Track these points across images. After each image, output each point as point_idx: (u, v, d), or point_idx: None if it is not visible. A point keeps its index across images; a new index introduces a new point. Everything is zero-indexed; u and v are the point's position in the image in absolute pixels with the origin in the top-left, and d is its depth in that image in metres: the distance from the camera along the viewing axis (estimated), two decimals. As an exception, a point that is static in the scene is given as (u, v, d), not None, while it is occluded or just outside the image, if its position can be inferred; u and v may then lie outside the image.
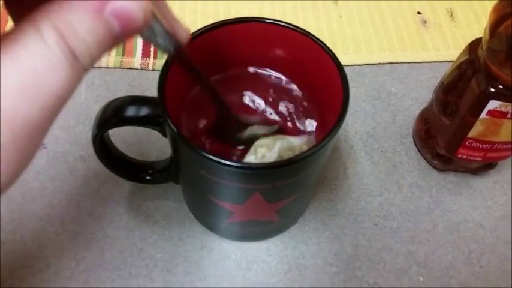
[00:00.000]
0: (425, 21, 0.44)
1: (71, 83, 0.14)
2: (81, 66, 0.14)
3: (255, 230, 0.31)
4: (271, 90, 0.30)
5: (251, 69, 0.30)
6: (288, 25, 0.27)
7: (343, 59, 0.26)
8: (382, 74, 0.41)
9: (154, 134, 0.34)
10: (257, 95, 0.30)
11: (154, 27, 0.19)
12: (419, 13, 0.45)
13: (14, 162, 0.14)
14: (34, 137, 0.14)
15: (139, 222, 0.32)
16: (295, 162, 0.23)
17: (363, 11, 0.45)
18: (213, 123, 0.27)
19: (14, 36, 0.13)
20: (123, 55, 0.40)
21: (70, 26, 0.14)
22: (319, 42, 0.26)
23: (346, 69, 0.25)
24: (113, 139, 0.29)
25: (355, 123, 0.38)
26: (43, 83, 0.13)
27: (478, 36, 0.31)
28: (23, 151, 0.14)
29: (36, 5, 0.14)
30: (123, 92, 0.38)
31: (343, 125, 0.24)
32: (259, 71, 0.30)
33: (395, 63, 0.41)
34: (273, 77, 0.30)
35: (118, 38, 0.15)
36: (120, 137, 0.35)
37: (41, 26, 0.13)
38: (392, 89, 0.40)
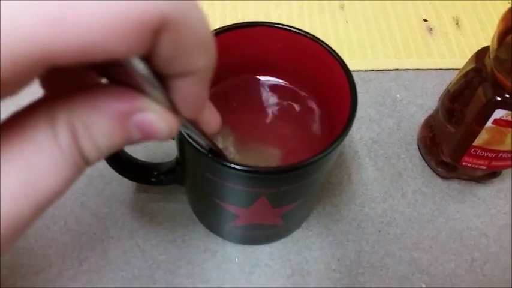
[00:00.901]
0: (431, 29, 0.44)
1: (71, 182, 0.13)
2: (86, 165, 0.13)
3: (259, 233, 0.31)
4: (277, 96, 0.30)
5: (258, 74, 0.30)
6: (297, 30, 0.27)
7: (349, 65, 0.26)
8: (388, 80, 0.41)
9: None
10: (264, 99, 0.30)
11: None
12: (425, 20, 0.45)
13: None
14: (17, 234, 0.12)
15: (143, 224, 0.32)
16: (302, 167, 0.23)
17: (369, 17, 0.45)
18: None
19: (25, 126, 0.12)
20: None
21: (87, 128, 0.12)
22: (328, 48, 0.26)
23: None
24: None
25: (360, 129, 0.38)
26: (42, 184, 0.12)
27: (484, 44, 0.31)
28: (3, 246, 0.12)
29: (68, 86, 0.13)
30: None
31: (349, 131, 0.24)
32: (266, 75, 0.30)
33: (400, 69, 0.41)
34: (279, 82, 0.30)
35: (134, 143, 0.14)
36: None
37: (57, 121, 0.12)
38: (398, 95, 0.40)
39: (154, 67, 0.12)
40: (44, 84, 0.15)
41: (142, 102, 0.13)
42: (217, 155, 0.22)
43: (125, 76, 0.12)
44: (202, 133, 0.19)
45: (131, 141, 0.14)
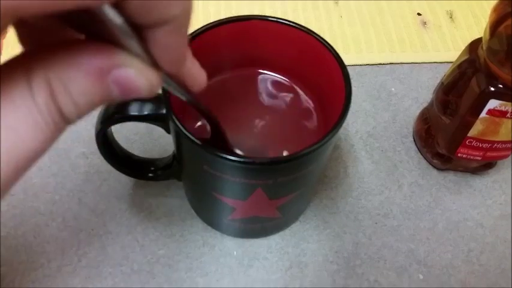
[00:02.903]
0: (425, 23, 0.44)
1: (51, 140, 0.13)
2: (65, 123, 0.13)
3: (256, 226, 0.31)
4: (272, 89, 0.30)
5: (253, 68, 0.30)
6: (291, 23, 0.27)
7: (344, 59, 0.26)
8: (383, 74, 0.41)
9: (156, 132, 0.34)
10: (259, 93, 0.30)
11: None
12: (419, 14, 0.45)
13: None
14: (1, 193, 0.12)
15: (141, 219, 0.33)
16: (298, 158, 0.23)
17: (363, 12, 0.45)
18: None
19: (3, 84, 0.12)
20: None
21: (65, 84, 0.12)
22: (323, 41, 0.27)
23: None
24: (115, 136, 0.30)
25: (356, 123, 0.38)
26: (22, 143, 0.12)
27: (477, 37, 0.31)
28: None
29: (47, 40, 0.12)
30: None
31: (344, 124, 0.24)
32: (261, 69, 0.30)
33: (395, 63, 0.42)
34: (274, 76, 0.30)
35: (115, 100, 0.13)
36: (123, 134, 0.35)
37: (34, 78, 0.12)
38: (393, 89, 0.40)
39: (130, 17, 0.12)
40: (22, 41, 0.14)
41: (121, 57, 0.13)
42: (204, 112, 0.22)
43: (103, 31, 0.12)
44: (187, 91, 0.18)
45: (110, 98, 0.13)
